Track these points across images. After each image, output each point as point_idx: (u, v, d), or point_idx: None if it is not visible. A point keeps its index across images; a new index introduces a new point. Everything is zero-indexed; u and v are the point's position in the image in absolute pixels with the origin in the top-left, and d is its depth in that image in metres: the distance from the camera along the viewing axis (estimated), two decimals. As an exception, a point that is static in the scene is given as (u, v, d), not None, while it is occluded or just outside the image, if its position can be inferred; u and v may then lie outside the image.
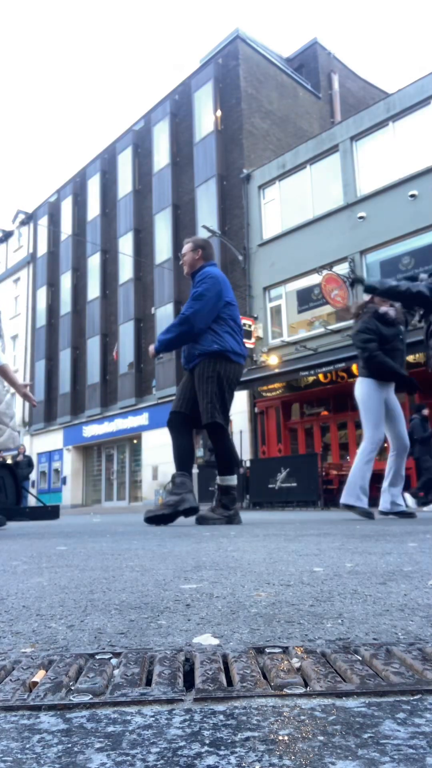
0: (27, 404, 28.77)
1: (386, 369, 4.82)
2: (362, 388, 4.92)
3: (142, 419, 21.75)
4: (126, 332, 23.06)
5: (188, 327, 4.31)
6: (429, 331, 4.71)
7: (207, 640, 0.86)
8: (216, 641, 0.86)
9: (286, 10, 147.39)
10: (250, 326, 17.57)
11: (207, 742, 0.52)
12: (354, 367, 15.04)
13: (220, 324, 4.39)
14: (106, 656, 0.79)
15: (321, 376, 15.69)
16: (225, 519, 4.37)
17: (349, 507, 4.78)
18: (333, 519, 5.15)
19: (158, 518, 4.36)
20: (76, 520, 7.59)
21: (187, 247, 4.64)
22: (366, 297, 5.15)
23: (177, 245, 21.14)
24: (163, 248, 21.85)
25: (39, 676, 0.72)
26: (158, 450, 20.58)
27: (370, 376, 4.89)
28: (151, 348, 4.55)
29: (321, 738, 0.52)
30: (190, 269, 4.61)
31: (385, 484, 4.97)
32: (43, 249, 29.22)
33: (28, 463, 16.44)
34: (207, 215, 19.76)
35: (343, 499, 4.83)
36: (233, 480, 4.47)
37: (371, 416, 4.83)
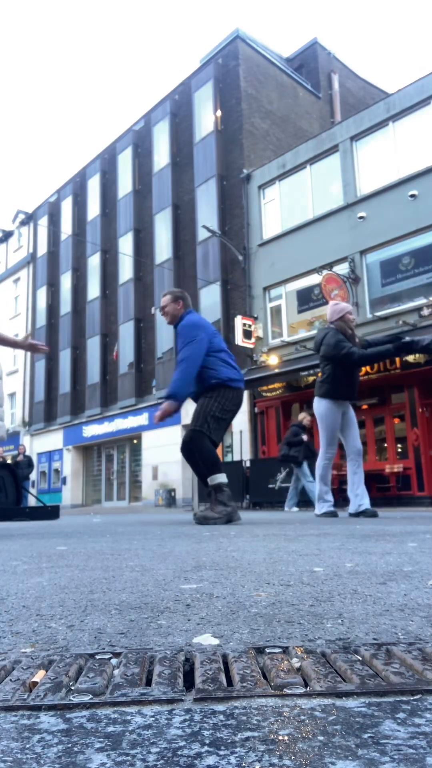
0: (27, 404, 28.83)
1: (376, 357, 5.28)
2: (320, 407, 5.39)
3: (142, 419, 21.74)
4: (126, 332, 23.06)
5: (183, 386, 4.67)
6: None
7: (207, 640, 0.86)
8: (216, 641, 0.86)
9: (286, 10, 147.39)
10: (250, 326, 17.56)
11: (207, 742, 0.52)
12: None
13: (212, 360, 4.75)
14: (106, 656, 0.79)
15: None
16: (225, 517, 4.42)
17: (320, 516, 5.40)
18: (333, 519, 5.15)
19: (209, 522, 4.54)
20: (76, 520, 7.59)
21: (167, 299, 5.05)
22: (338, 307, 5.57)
23: (177, 245, 21.16)
24: (163, 248, 21.85)
25: (39, 676, 0.72)
26: (158, 450, 20.58)
27: (327, 396, 5.34)
28: (167, 405, 4.67)
29: (321, 738, 0.52)
30: (173, 320, 5.02)
31: (350, 488, 5.34)
32: (43, 249, 29.21)
33: (28, 463, 16.44)
34: (207, 215, 19.76)
35: (315, 512, 5.57)
36: (222, 477, 4.57)
37: (327, 434, 5.36)
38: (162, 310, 5.05)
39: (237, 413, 4.91)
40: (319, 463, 5.44)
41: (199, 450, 4.59)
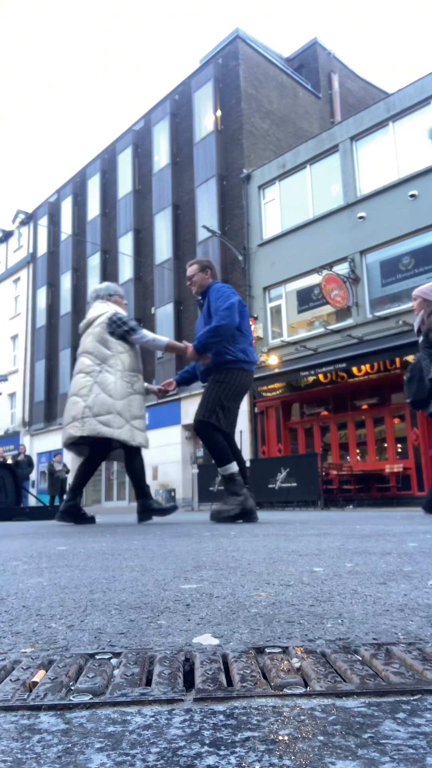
0: (27, 404, 28.84)
1: None
2: None
3: (142, 419, 21.71)
4: (126, 332, 23.04)
5: (220, 337, 4.50)
6: None
7: (207, 640, 0.86)
8: (216, 641, 0.86)
9: (286, 10, 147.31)
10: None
11: (207, 742, 0.52)
12: (354, 369, 15.05)
13: (233, 336, 4.56)
14: (106, 656, 0.79)
15: (321, 376, 15.68)
16: (238, 507, 4.35)
17: None
18: (333, 519, 5.15)
19: (228, 518, 4.40)
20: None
21: (194, 269, 4.84)
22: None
23: (177, 245, 21.14)
24: (163, 248, 21.84)
25: (39, 676, 0.72)
26: (158, 450, 20.56)
27: None
28: (191, 348, 4.59)
29: (321, 738, 0.52)
30: (200, 290, 4.82)
31: None
32: (43, 249, 29.20)
33: (29, 463, 16.44)
34: (207, 215, 19.75)
35: None
36: (234, 467, 4.46)
37: None
38: (189, 280, 4.86)
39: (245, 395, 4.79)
40: None
41: (208, 443, 4.51)
